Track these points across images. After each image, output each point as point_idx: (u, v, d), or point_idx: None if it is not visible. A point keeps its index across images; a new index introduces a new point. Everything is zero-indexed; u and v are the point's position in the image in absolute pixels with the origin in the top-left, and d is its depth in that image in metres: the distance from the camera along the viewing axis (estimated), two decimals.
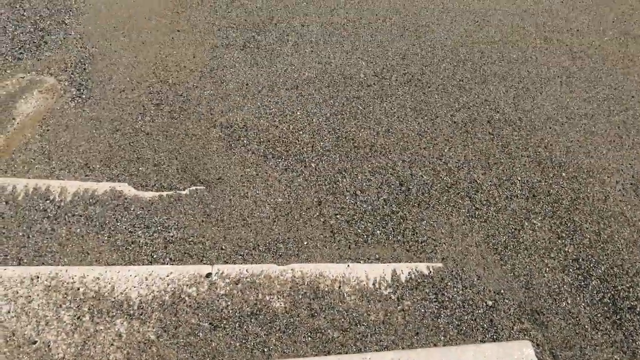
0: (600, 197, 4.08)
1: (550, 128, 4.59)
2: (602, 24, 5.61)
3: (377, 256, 3.63)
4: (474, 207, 3.98)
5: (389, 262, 3.57)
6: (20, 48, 5.02)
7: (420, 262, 3.60)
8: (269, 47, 5.24)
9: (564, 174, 4.24)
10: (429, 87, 4.91)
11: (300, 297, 3.17)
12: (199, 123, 4.51)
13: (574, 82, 4.99)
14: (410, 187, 4.11)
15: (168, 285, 3.11)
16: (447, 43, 5.32)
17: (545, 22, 5.58)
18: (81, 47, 5.09)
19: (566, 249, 3.71)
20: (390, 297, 3.26)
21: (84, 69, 4.90)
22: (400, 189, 4.10)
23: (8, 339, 2.74)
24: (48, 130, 4.38)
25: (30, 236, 3.53)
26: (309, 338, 2.96)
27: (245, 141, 4.39)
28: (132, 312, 2.96)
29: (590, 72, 5.10)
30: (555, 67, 5.12)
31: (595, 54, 5.27)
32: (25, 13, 5.38)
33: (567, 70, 5.10)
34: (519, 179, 4.19)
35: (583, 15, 5.70)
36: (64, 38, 5.16)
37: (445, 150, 4.39)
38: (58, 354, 2.71)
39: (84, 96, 4.67)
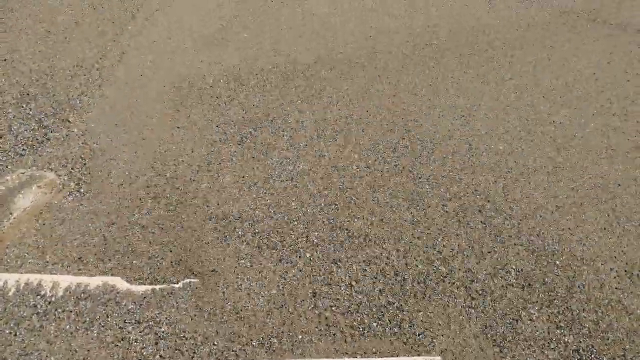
0: (595, 285, 4.06)
1: (540, 217, 4.67)
2: (583, 116, 5.90)
3: (374, 350, 3.53)
4: (470, 297, 3.94)
5: (387, 356, 3.47)
6: (23, 145, 5.19)
7: (419, 355, 3.50)
8: (265, 142, 5.43)
9: (557, 262, 4.25)
10: (419, 178, 5.04)
11: None
12: (194, 215, 4.57)
13: (560, 172, 5.14)
14: (406, 277, 4.09)
15: None
16: (435, 137, 5.54)
17: (529, 115, 5.86)
18: (82, 144, 5.26)
19: (566, 339, 3.63)
20: None
21: (84, 164, 5.03)
22: (396, 279, 4.08)
23: None
24: (44, 224, 4.41)
25: (18, 334, 3.44)
26: None
27: (240, 232, 4.42)
28: None
29: (576, 162, 5.28)
30: (541, 158, 5.30)
31: (579, 145, 5.49)
32: (30, 112, 5.62)
33: (553, 161, 5.28)
34: (514, 267, 4.19)
35: (564, 109, 6.00)
36: (67, 135, 5.36)
37: (439, 240, 4.43)
38: None
39: (82, 190, 4.76)
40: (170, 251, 4.22)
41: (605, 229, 4.61)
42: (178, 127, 5.54)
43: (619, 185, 5.04)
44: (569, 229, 4.58)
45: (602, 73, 6.52)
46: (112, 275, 3.98)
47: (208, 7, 7.24)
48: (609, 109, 6.02)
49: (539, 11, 7.60)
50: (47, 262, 4.07)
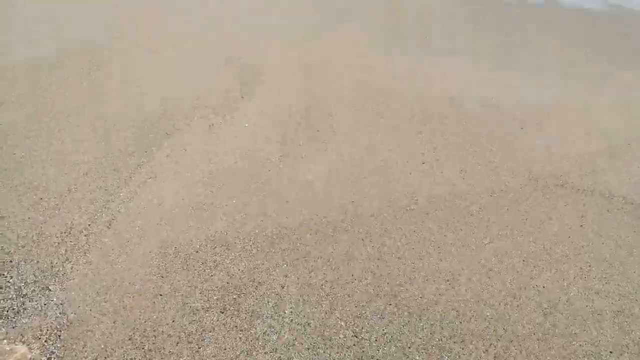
0: None
1: None
2: (564, 279, 5.99)
3: None
4: None
5: None
6: None
7: None
8: (249, 309, 5.33)
9: None
10: (409, 347, 4.89)
11: None
12: None
13: (550, 339, 5.06)
14: None
15: None
16: (422, 302, 5.51)
17: (512, 279, 5.93)
18: (60, 313, 5.10)
19: None
20: None
21: (59, 336, 4.82)
22: None
23: None
24: None
25: None
26: None
27: None
28: None
29: (564, 328, 5.23)
30: (529, 324, 5.24)
31: (565, 310, 5.48)
32: (11, 279, 5.52)
33: (541, 327, 5.22)
34: None
35: (545, 272, 6.11)
36: (45, 304, 5.21)
37: None
38: None
39: None
40: None
41: None
42: (160, 295, 5.44)
43: (611, 352, 4.94)
44: None
45: (577, 236, 6.78)
46: None
47: (198, 176, 7.62)
48: (588, 272, 6.14)
49: (509, 177, 8.14)
50: None
